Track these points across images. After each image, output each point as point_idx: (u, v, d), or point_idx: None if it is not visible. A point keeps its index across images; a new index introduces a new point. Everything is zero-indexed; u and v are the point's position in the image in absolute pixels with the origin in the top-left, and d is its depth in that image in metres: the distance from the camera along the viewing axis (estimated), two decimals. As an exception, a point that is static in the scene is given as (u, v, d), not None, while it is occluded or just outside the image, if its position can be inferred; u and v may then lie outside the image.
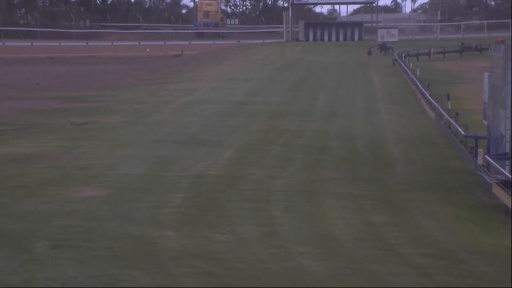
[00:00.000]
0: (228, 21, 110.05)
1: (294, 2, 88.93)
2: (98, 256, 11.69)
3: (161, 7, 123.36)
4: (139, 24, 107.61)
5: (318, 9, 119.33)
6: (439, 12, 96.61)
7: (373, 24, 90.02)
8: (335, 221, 14.81)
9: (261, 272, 11.26)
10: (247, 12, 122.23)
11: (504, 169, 17.42)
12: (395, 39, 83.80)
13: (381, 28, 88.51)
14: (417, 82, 40.55)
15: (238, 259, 11.98)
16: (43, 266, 11.08)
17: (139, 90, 43.12)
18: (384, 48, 67.87)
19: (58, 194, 16.46)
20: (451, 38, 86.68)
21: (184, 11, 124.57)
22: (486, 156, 19.10)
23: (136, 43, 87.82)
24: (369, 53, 58.83)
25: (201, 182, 18.20)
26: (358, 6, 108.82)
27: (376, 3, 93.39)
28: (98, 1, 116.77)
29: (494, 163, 17.92)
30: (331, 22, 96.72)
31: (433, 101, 32.15)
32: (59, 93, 42.37)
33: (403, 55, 59.80)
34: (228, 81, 47.12)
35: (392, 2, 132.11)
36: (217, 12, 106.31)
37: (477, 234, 14.65)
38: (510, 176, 16.60)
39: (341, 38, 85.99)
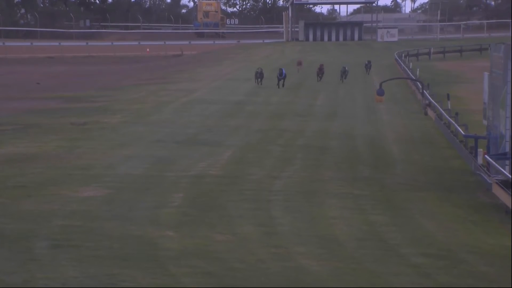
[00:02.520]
0: (228, 21, 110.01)
1: (294, 2, 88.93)
2: (98, 256, 11.69)
3: (161, 7, 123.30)
4: (139, 24, 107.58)
5: (318, 9, 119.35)
6: (439, 12, 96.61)
7: (373, 24, 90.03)
8: (335, 221, 14.81)
9: (261, 272, 11.26)
10: (247, 12, 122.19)
11: (504, 169, 17.42)
12: (395, 39, 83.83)
13: (381, 28, 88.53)
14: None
15: (238, 259, 11.98)
16: (43, 266, 11.08)
17: (139, 90, 43.12)
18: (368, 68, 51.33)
19: (58, 194, 16.46)
20: (451, 38, 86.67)
21: (184, 11, 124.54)
22: (486, 156, 19.10)
23: (136, 43, 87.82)
24: (381, 93, 31.92)
25: (201, 182, 18.20)
26: (358, 6, 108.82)
27: (376, 3, 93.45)
28: (98, 1, 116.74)
29: (494, 163, 17.92)
30: (331, 22, 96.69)
31: (433, 101, 32.16)
32: (59, 93, 42.36)
33: (403, 55, 59.84)
34: (228, 81, 47.12)
35: (392, 2, 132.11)
36: (217, 12, 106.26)
37: (477, 234, 14.65)
38: (510, 176, 16.60)
39: (341, 38, 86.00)
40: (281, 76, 41.64)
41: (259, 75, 42.98)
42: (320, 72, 46.11)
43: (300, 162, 21.43)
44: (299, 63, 52.26)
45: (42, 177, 18.35)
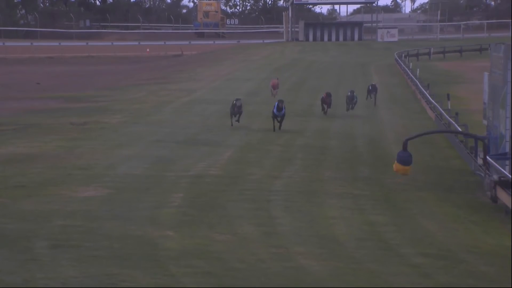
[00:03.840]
0: (228, 21, 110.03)
1: (294, 2, 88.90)
2: (98, 256, 11.68)
3: (161, 7, 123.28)
4: (139, 24, 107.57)
5: (318, 9, 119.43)
6: (439, 12, 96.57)
7: (373, 24, 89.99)
8: (335, 221, 14.81)
9: (261, 272, 11.26)
10: (247, 12, 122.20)
11: (504, 169, 17.41)
12: (395, 39, 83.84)
13: (381, 28, 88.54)
14: (417, 82, 40.57)
15: (238, 259, 11.98)
16: (43, 266, 11.08)
17: (139, 90, 43.13)
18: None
19: (58, 194, 16.46)
20: (451, 38, 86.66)
21: (184, 11, 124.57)
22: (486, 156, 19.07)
23: (136, 43, 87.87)
24: (406, 159, 18.38)
25: (201, 182, 18.20)
26: (358, 6, 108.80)
27: (376, 3, 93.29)
28: (98, 1, 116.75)
29: (494, 163, 17.91)
30: (331, 22, 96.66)
31: (433, 101, 32.16)
32: (59, 93, 42.38)
33: (403, 55, 59.82)
34: (228, 81, 47.12)
35: (392, 2, 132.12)
36: (217, 12, 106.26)
37: (477, 234, 14.65)
38: (510, 176, 16.59)
39: (341, 38, 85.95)
40: (279, 113, 27.19)
41: (237, 110, 27.82)
42: (326, 102, 32.23)
43: (300, 162, 21.42)
44: (274, 86, 38.18)
45: (42, 177, 18.35)
